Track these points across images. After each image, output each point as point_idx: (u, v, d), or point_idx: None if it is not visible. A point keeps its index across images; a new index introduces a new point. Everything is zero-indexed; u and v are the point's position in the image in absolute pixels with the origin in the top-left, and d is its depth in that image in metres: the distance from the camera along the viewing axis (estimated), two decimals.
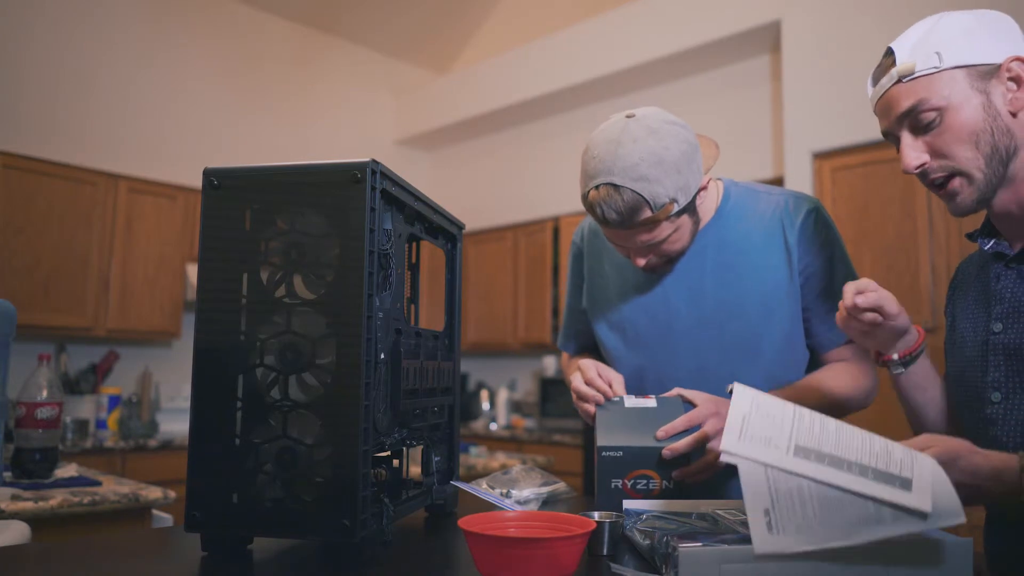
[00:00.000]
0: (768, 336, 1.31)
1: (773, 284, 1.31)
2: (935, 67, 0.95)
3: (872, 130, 3.46)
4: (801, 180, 3.70)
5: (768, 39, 4.08)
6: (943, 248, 3.26)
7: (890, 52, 1.00)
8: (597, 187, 1.18)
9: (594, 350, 1.55)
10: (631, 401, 1.23)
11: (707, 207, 1.35)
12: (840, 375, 1.33)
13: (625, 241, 1.25)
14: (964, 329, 1.08)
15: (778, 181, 3.94)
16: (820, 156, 3.70)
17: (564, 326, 1.61)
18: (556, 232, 5.12)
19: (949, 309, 1.15)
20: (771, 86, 4.18)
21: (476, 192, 5.82)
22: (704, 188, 1.26)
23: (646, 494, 1.13)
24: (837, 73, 3.63)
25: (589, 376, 1.27)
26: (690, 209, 1.24)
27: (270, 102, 5.20)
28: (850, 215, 3.53)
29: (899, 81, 0.98)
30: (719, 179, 1.41)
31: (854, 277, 1.33)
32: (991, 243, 1.04)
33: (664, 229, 1.22)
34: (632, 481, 1.13)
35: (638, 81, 4.71)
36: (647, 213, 1.18)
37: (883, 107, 1.01)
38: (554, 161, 5.32)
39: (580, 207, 5.06)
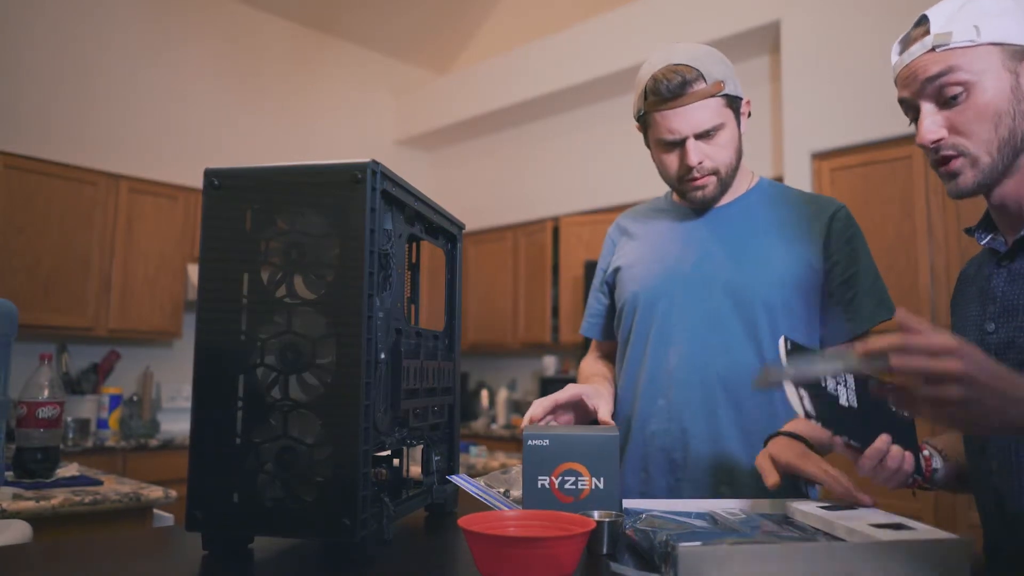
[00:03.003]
0: (783, 308, 1.35)
1: (795, 264, 1.36)
2: (971, 40, 0.93)
3: (871, 130, 3.46)
4: (800, 180, 3.70)
5: (768, 39, 4.08)
6: (943, 248, 3.26)
7: (924, 20, 0.97)
8: (659, 69, 1.33)
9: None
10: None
11: (740, 183, 1.46)
12: None
13: (682, 124, 1.33)
14: (960, 329, 1.08)
15: (777, 181, 3.94)
16: (819, 156, 3.70)
17: (586, 309, 1.64)
18: (556, 232, 5.11)
19: (952, 311, 1.16)
20: (770, 86, 4.17)
21: (476, 192, 5.82)
22: (747, 109, 1.41)
23: (575, 495, 1.04)
24: (837, 73, 3.63)
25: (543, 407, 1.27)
26: (735, 107, 1.38)
27: (270, 102, 5.20)
28: None
29: (932, 50, 0.95)
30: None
31: (876, 272, 1.38)
32: (987, 238, 1.04)
33: (714, 111, 1.33)
34: (560, 478, 1.04)
35: None
36: (702, 84, 1.32)
37: (909, 74, 0.99)
38: (554, 161, 5.32)
39: (580, 207, 5.06)
